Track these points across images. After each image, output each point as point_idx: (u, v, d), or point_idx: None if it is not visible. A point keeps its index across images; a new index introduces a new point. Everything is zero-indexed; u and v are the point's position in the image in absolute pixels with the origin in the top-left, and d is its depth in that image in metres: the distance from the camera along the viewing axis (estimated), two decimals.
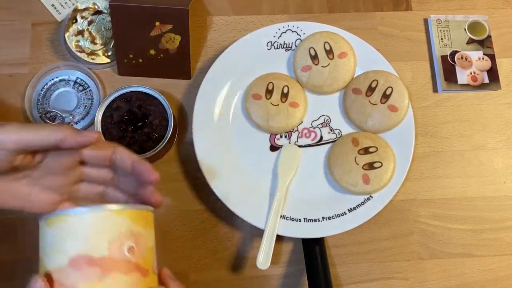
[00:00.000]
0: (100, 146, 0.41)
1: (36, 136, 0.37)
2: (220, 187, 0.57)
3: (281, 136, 0.60)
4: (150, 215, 0.37)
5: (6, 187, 0.39)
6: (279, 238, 0.58)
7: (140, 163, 0.40)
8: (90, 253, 0.32)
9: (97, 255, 0.32)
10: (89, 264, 0.32)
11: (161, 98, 0.57)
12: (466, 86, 0.64)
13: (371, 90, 0.59)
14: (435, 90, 0.64)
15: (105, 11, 0.64)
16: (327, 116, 0.61)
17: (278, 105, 0.59)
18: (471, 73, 0.64)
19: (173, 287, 0.38)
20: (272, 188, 0.58)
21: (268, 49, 0.62)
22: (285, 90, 0.59)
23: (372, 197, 0.57)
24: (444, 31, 0.66)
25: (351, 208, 0.57)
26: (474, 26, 0.66)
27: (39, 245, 0.36)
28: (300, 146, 0.60)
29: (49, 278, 0.33)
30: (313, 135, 0.60)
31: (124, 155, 0.41)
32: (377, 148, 0.57)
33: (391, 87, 0.59)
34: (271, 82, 0.60)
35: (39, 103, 0.61)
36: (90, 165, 0.42)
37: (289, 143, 0.60)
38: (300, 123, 0.61)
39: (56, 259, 0.33)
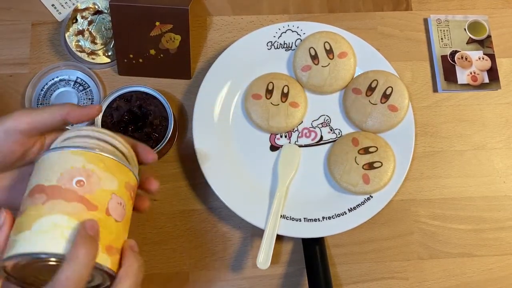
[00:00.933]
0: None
1: (44, 114, 0.40)
2: (220, 187, 0.57)
3: (281, 136, 0.60)
4: (109, 160, 0.38)
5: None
6: (279, 238, 0.58)
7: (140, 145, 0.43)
8: (43, 183, 0.36)
9: (47, 184, 0.35)
10: (39, 192, 0.35)
11: (161, 98, 0.57)
12: (466, 86, 0.64)
13: (371, 90, 0.59)
14: (435, 90, 0.64)
15: (105, 11, 0.64)
16: (327, 116, 0.61)
17: (278, 105, 0.59)
18: (471, 73, 0.64)
19: (128, 256, 0.37)
20: (272, 188, 0.58)
21: (268, 49, 0.62)
22: (285, 90, 0.59)
23: (372, 197, 0.57)
24: (444, 31, 0.66)
25: (351, 208, 0.57)
26: (474, 26, 0.66)
27: None
28: (300, 146, 0.60)
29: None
30: (313, 135, 0.60)
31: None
32: (377, 148, 0.57)
33: (391, 87, 0.59)
34: (271, 82, 0.60)
35: (39, 103, 0.61)
36: None
37: (289, 143, 0.60)
38: (300, 123, 0.61)
39: (24, 195, 0.37)
